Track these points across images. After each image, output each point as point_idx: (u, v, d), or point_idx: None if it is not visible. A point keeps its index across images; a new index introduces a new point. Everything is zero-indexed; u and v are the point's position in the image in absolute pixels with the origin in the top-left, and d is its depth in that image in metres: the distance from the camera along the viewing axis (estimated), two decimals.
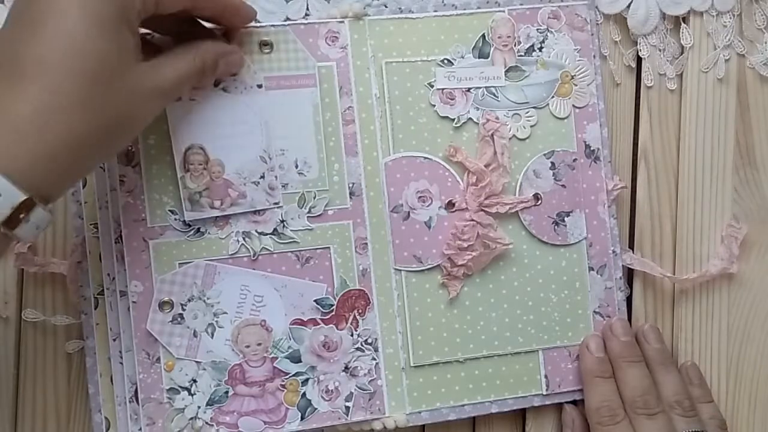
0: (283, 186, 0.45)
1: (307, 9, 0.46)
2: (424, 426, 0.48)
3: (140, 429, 0.43)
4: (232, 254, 0.44)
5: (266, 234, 0.45)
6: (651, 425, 0.44)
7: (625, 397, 0.46)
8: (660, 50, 0.50)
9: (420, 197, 0.46)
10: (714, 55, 0.50)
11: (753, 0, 0.50)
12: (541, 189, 0.48)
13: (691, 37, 0.50)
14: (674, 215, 0.50)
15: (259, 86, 0.44)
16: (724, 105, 0.50)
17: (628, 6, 0.50)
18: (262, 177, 0.44)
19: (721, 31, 0.50)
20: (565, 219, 0.48)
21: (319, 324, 0.45)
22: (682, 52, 0.50)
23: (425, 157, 0.47)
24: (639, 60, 0.50)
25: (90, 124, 0.34)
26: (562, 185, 0.48)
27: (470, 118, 0.47)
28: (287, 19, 0.46)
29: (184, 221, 0.44)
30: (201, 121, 0.43)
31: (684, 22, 0.50)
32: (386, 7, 0.47)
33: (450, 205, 0.47)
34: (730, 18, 0.50)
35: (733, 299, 0.50)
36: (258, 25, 0.44)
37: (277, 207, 0.44)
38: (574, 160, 0.48)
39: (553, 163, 0.48)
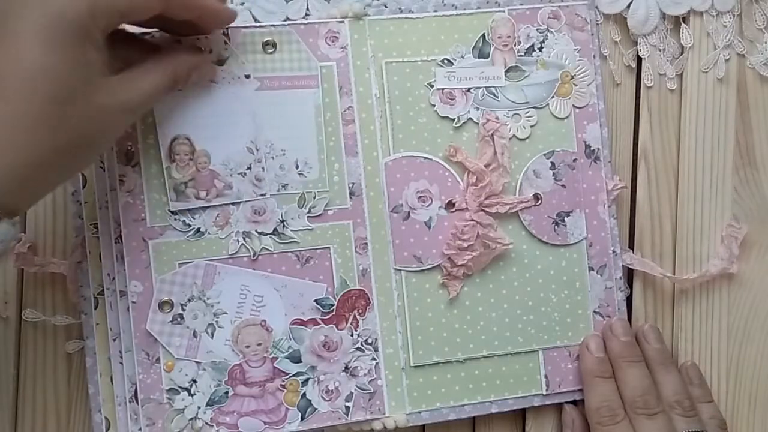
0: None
1: (307, 9, 0.46)
2: (424, 426, 0.48)
3: (140, 429, 0.43)
4: (232, 254, 0.44)
5: (266, 234, 0.45)
6: (651, 425, 0.44)
7: (625, 397, 0.46)
8: (660, 50, 0.50)
9: (420, 197, 0.46)
10: (714, 55, 0.50)
11: (753, 0, 0.50)
12: (541, 189, 0.48)
13: (691, 37, 0.50)
14: (674, 215, 0.50)
15: (247, 76, 0.44)
16: (724, 105, 0.50)
17: (628, 6, 0.50)
18: (249, 168, 0.44)
19: (721, 31, 0.50)
20: (565, 219, 0.48)
21: (319, 324, 0.45)
22: (682, 52, 0.50)
23: (425, 157, 0.47)
24: (639, 60, 0.50)
25: (54, 142, 0.34)
26: (562, 185, 0.48)
27: (470, 118, 0.47)
28: (287, 19, 0.46)
29: (184, 221, 0.44)
30: (187, 111, 0.43)
31: (684, 22, 0.50)
32: (386, 7, 0.47)
33: (450, 205, 0.47)
34: (730, 18, 0.50)
35: (733, 299, 0.50)
36: (259, 24, 0.44)
37: (264, 198, 0.44)
38: (574, 160, 0.48)
39: (553, 163, 0.48)
